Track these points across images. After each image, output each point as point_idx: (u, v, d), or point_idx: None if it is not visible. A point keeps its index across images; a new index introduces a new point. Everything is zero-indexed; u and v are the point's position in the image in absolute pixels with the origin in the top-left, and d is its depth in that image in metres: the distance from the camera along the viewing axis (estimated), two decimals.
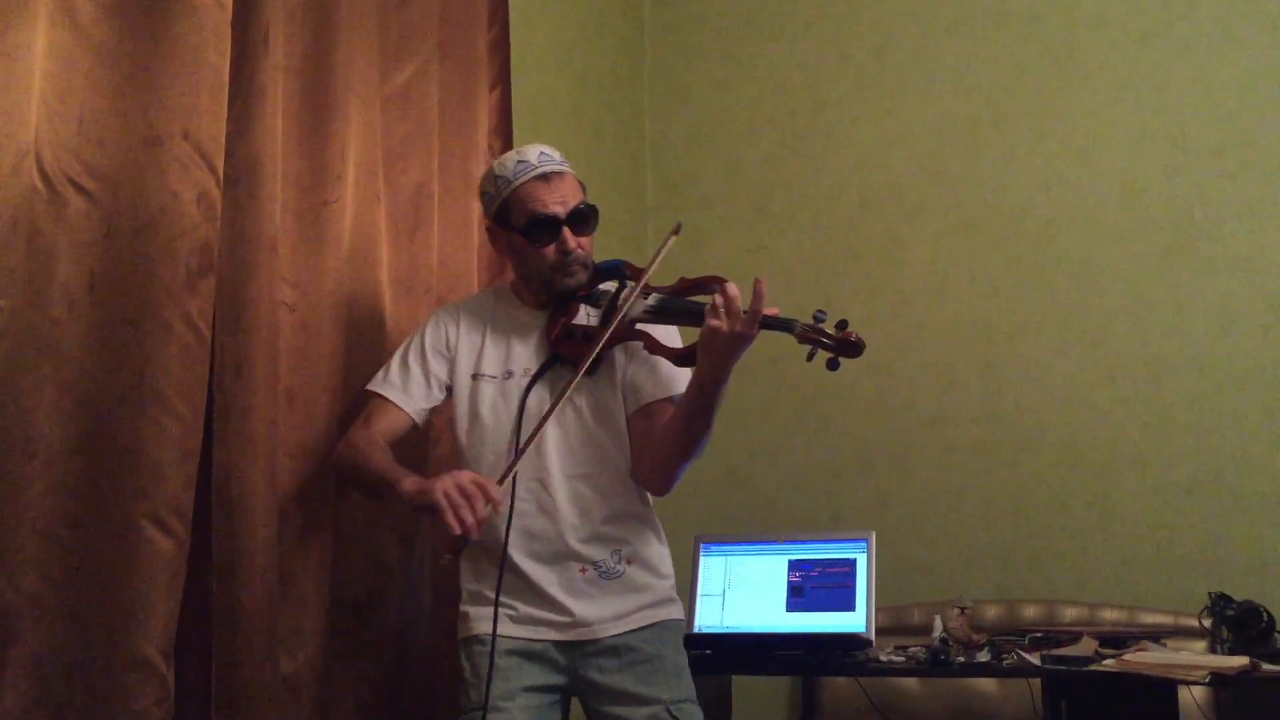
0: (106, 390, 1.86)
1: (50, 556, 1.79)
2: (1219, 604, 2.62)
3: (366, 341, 2.39)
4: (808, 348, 2.06)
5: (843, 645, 2.61)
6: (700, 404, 2.05)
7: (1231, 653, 2.49)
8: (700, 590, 2.82)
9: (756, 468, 3.78)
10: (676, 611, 2.24)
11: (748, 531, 3.47)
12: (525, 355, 2.21)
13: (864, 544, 2.76)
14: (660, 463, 2.15)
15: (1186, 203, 3.41)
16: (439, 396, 2.24)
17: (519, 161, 2.18)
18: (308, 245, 2.27)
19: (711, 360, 2.00)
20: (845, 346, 2.03)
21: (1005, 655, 2.52)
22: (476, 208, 2.79)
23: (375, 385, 2.24)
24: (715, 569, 2.84)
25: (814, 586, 2.76)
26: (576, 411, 2.17)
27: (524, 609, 2.13)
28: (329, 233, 2.30)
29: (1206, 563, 3.24)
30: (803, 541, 2.83)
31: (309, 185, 2.28)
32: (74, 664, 1.80)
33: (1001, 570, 3.47)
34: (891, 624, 3.23)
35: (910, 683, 3.23)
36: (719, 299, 1.97)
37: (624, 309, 2.09)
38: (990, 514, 3.51)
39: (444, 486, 1.94)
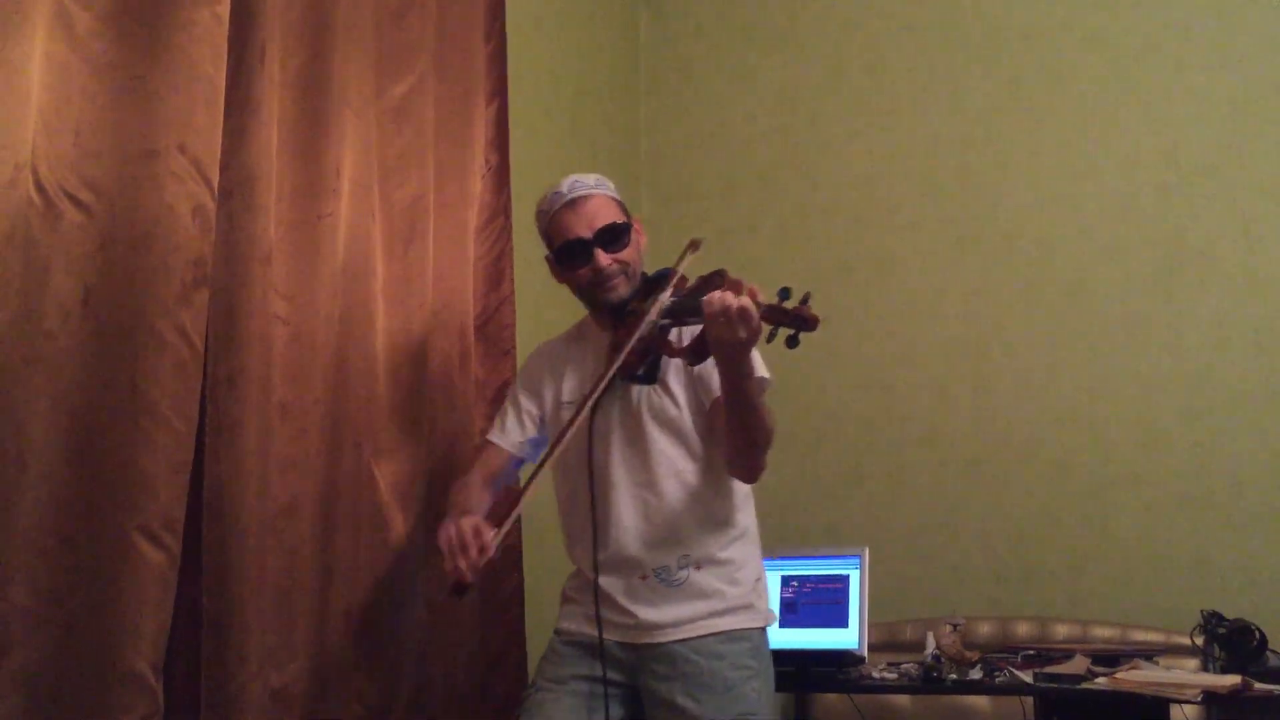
0: (100, 403, 1.86)
1: (41, 569, 1.79)
2: (1211, 622, 2.62)
3: (360, 355, 2.39)
4: (769, 328, 1.98)
5: (835, 661, 2.61)
6: (734, 398, 2.05)
7: (1223, 671, 2.49)
8: None
9: None
10: (748, 620, 2.20)
11: None
12: (596, 376, 2.24)
13: (857, 560, 2.76)
14: (731, 455, 2.16)
15: (1179, 221, 3.42)
16: (532, 430, 2.36)
17: (554, 193, 2.28)
18: (302, 259, 2.27)
19: (724, 361, 2.01)
20: (800, 321, 1.95)
21: (997, 673, 2.52)
22: (472, 221, 2.81)
23: (489, 433, 2.41)
24: None
25: (807, 602, 2.76)
26: (638, 421, 2.21)
27: (594, 608, 2.20)
28: (323, 246, 2.30)
29: (1199, 580, 3.24)
30: (796, 557, 2.83)
31: (304, 199, 2.28)
32: (64, 677, 1.79)
33: (994, 587, 3.47)
34: (884, 640, 3.22)
35: (902, 700, 3.22)
36: (712, 310, 1.93)
37: (645, 316, 2.12)
38: (983, 531, 3.51)
39: (446, 533, 2.06)
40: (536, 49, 3.45)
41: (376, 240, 2.46)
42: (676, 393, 2.22)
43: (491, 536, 2.03)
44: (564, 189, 2.26)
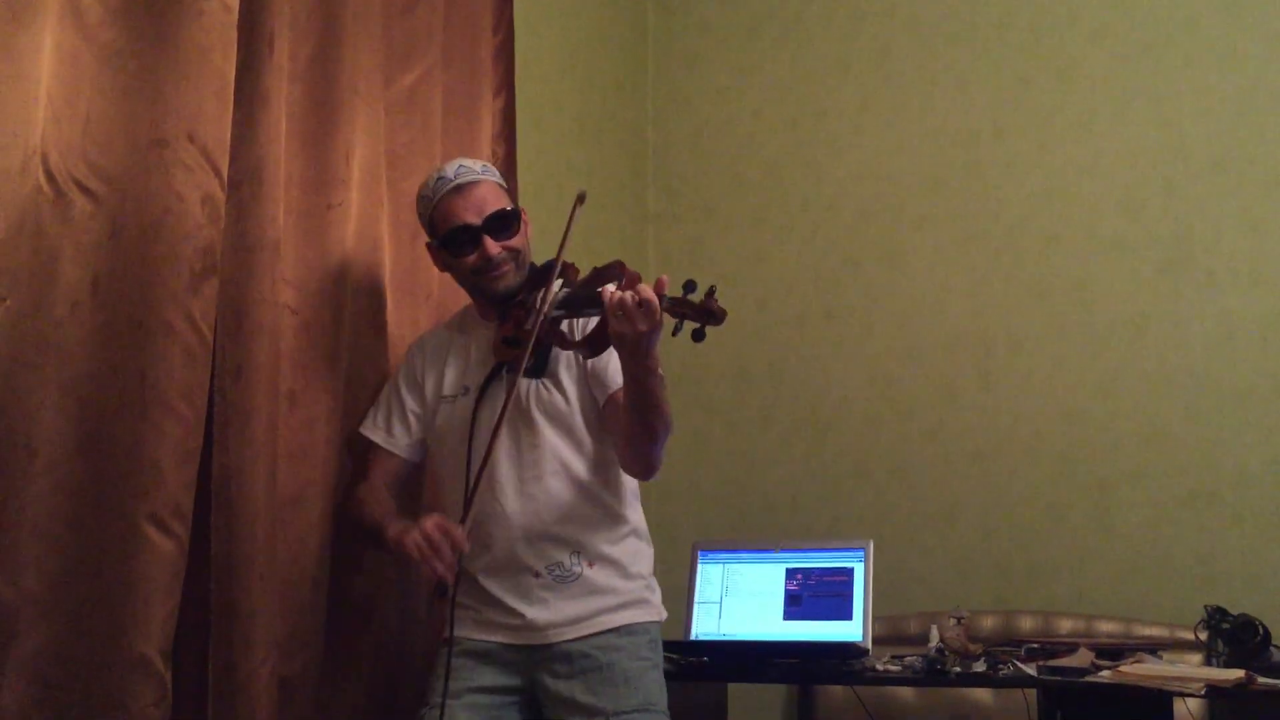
0: (109, 391, 1.87)
1: (50, 556, 1.80)
2: (1215, 617, 2.62)
3: (367, 345, 2.40)
4: (674, 322, 1.93)
5: (839, 654, 2.61)
6: (637, 394, 2.00)
7: (1227, 666, 2.49)
8: (698, 598, 2.83)
9: (755, 476, 3.79)
10: (644, 614, 2.18)
11: (746, 539, 3.47)
12: (479, 370, 2.22)
13: (862, 553, 2.77)
14: (629, 450, 2.13)
15: (1186, 216, 3.41)
16: (419, 430, 2.29)
17: (439, 178, 2.22)
18: (310, 248, 2.27)
19: (628, 356, 1.95)
20: (706, 314, 1.90)
21: (1001, 665, 2.52)
22: None
23: (365, 428, 2.31)
24: (713, 576, 2.85)
25: (811, 595, 2.77)
26: (526, 415, 2.16)
27: (484, 612, 2.17)
28: (331, 236, 2.31)
29: (1202, 576, 3.24)
30: (801, 550, 2.84)
31: (312, 189, 2.29)
32: (73, 663, 1.80)
33: (998, 581, 3.47)
34: (888, 633, 3.23)
35: (906, 692, 3.23)
36: (612, 302, 1.89)
37: (541, 307, 2.06)
38: (988, 525, 3.52)
39: (413, 539, 2.02)
40: (544, 42, 3.45)
41: (384, 231, 2.47)
42: (567, 387, 2.17)
43: (460, 532, 2.01)
44: (449, 174, 2.19)
